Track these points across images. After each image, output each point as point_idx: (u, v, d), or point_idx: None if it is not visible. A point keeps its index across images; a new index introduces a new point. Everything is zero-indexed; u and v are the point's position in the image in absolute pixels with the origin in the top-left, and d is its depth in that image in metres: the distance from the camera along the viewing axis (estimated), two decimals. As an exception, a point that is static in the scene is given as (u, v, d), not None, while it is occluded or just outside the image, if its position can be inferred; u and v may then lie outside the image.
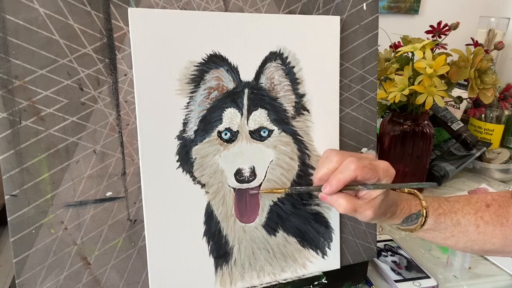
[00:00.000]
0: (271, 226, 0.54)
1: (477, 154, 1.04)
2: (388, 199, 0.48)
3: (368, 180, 0.45)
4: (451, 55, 0.84)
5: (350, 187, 0.46)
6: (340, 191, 0.46)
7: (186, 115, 0.48)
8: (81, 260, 0.46)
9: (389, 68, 0.86)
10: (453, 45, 0.89)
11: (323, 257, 0.57)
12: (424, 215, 0.51)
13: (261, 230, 0.53)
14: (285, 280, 0.55)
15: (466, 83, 1.06)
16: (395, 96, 0.81)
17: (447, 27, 0.91)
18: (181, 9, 0.48)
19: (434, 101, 0.79)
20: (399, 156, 0.91)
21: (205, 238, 0.51)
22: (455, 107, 1.15)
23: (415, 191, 0.54)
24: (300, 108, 0.54)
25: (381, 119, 0.96)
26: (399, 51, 0.82)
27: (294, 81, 0.53)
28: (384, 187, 0.46)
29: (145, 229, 0.48)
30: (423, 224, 0.51)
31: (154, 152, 0.47)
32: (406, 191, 0.54)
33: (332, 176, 0.45)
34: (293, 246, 0.55)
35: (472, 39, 1.03)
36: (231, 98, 0.50)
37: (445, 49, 0.90)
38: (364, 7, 0.56)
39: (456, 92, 1.10)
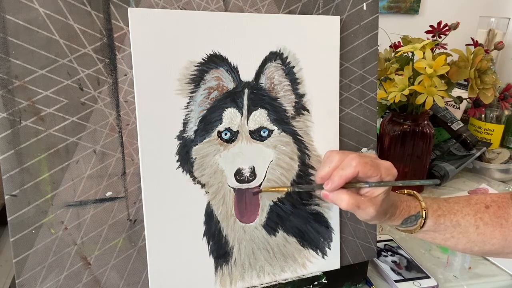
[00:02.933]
0: (271, 226, 0.54)
1: (477, 154, 1.04)
2: (388, 198, 0.48)
3: (370, 177, 0.45)
4: (451, 55, 0.85)
5: (352, 185, 0.46)
6: (343, 188, 0.46)
7: (186, 115, 0.48)
8: (81, 260, 0.46)
9: (389, 68, 0.86)
10: (453, 45, 0.89)
11: (323, 257, 0.57)
12: (424, 216, 0.51)
13: (261, 230, 0.53)
14: (285, 280, 0.55)
15: (466, 83, 1.06)
16: (395, 96, 0.81)
17: (447, 27, 0.91)
18: (181, 9, 0.48)
19: (434, 101, 0.79)
20: (399, 156, 0.91)
21: (205, 238, 0.51)
22: (455, 107, 1.15)
23: (415, 192, 0.54)
24: (300, 108, 0.54)
25: (381, 119, 0.96)
26: (399, 51, 0.82)
27: (294, 81, 0.53)
28: (386, 184, 0.46)
29: (145, 229, 0.48)
30: (422, 226, 0.51)
31: (154, 152, 0.47)
32: (405, 192, 0.54)
33: (334, 173, 0.45)
34: (293, 246, 0.55)
35: (472, 39, 1.03)
36: (231, 98, 0.50)
37: (445, 49, 0.90)
38: (364, 7, 0.56)
39: (456, 92, 1.10)
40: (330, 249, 0.57)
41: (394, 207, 0.50)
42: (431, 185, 0.44)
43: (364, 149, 0.59)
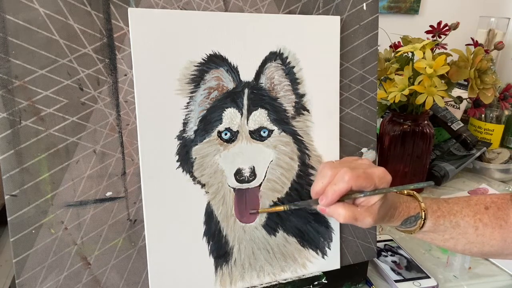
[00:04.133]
0: (271, 226, 0.54)
1: (477, 154, 1.04)
2: (386, 203, 0.48)
3: (364, 188, 0.45)
4: (451, 55, 0.85)
5: (348, 196, 0.46)
6: (339, 201, 0.46)
7: (186, 115, 0.48)
8: (81, 260, 0.46)
9: (389, 68, 0.86)
10: (453, 45, 0.89)
11: (323, 257, 0.57)
12: (423, 217, 0.51)
13: (261, 230, 0.53)
14: (285, 280, 0.55)
15: (466, 83, 1.06)
16: (395, 96, 0.81)
17: (447, 27, 0.91)
18: (181, 9, 0.48)
19: (434, 101, 0.79)
20: (399, 156, 0.91)
21: (205, 238, 0.51)
22: (455, 107, 1.15)
23: (414, 193, 0.54)
24: (300, 108, 0.54)
25: (381, 119, 0.96)
26: (399, 51, 0.82)
27: (294, 81, 0.53)
28: (380, 192, 0.46)
29: (145, 229, 0.48)
30: (422, 226, 0.51)
31: (154, 152, 0.47)
32: (405, 193, 0.54)
33: (327, 188, 0.45)
34: (293, 246, 0.55)
35: (472, 39, 1.03)
36: (231, 98, 0.50)
37: (445, 49, 0.90)
38: (364, 7, 0.56)
39: (456, 92, 1.10)
40: (330, 249, 0.57)
41: (393, 209, 0.50)
42: (426, 187, 0.44)
43: (364, 149, 0.59)
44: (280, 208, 0.50)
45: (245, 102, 0.51)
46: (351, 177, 0.44)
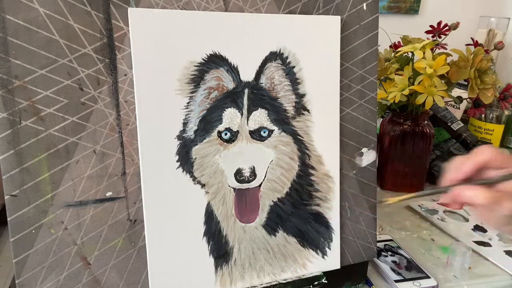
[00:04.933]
0: (271, 226, 0.54)
1: (477, 154, 1.04)
2: None
3: (507, 165, 0.42)
4: (451, 55, 0.85)
5: (475, 181, 0.44)
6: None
7: (186, 115, 0.48)
8: (81, 260, 0.46)
9: (389, 68, 0.86)
10: (453, 45, 0.89)
11: (323, 257, 0.57)
12: None
13: (261, 230, 0.53)
14: (285, 280, 0.55)
15: (466, 83, 1.06)
16: (395, 96, 0.81)
17: (447, 27, 0.91)
18: (181, 9, 0.48)
19: (434, 101, 0.79)
20: (399, 156, 0.91)
21: (205, 238, 0.51)
22: (455, 107, 1.15)
23: None
24: (300, 108, 0.54)
25: (381, 119, 0.96)
26: (399, 51, 0.82)
27: (294, 81, 0.53)
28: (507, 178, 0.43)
29: (145, 229, 0.48)
30: None
31: (154, 152, 0.47)
32: None
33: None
34: (293, 246, 0.55)
35: (472, 39, 1.03)
36: (231, 98, 0.50)
37: (445, 49, 0.90)
38: (364, 7, 0.56)
39: (456, 92, 1.10)
40: (330, 249, 0.57)
41: None
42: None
43: (364, 149, 0.59)
44: (412, 194, 0.48)
45: (245, 102, 0.51)
46: (492, 151, 0.42)
